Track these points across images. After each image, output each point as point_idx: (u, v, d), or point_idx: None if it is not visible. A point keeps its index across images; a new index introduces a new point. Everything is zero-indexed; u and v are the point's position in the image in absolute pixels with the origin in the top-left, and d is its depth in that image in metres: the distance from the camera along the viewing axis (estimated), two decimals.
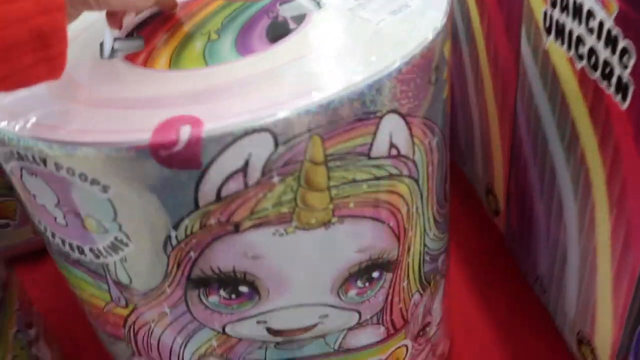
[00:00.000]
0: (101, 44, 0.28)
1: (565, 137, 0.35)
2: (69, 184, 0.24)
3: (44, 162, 0.24)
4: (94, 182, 0.24)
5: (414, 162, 0.27)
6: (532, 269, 0.45)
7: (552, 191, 0.38)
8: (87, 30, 0.29)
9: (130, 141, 0.22)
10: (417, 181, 0.28)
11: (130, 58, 0.27)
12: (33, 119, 0.24)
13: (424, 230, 0.31)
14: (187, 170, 0.23)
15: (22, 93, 0.25)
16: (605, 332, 0.36)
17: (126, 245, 0.26)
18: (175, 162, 0.23)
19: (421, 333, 0.35)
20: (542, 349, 0.42)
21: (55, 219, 0.26)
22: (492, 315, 0.45)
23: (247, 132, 0.22)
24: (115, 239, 0.26)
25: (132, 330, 0.30)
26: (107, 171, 0.23)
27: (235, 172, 0.23)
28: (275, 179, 0.24)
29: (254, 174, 0.23)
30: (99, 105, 0.24)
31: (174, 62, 0.26)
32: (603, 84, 0.29)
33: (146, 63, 0.27)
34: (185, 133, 0.22)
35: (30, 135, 0.23)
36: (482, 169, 0.51)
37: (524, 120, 0.40)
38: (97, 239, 0.26)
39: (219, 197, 0.24)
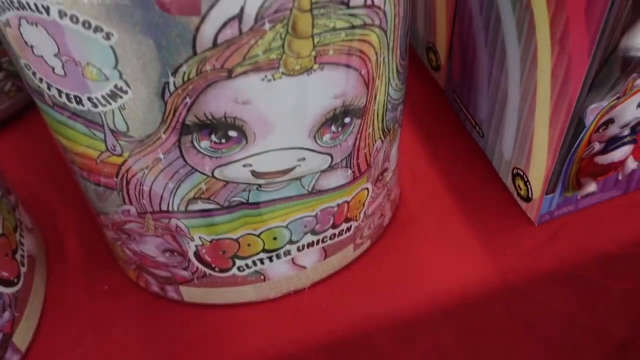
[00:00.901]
0: None
1: None
2: (72, 31, 0.25)
3: (47, 10, 0.24)
4: (98, 29, 0.25)
5: (384, 12, 0.29)
6: (471, 117, 0.49)
7: (496, 39, 0.42)
8: None
9: None
10: (385, 32, 0.30)
11: None
12: None
13: (389, 80, 0.33)
14: (187, 17, 0.24)
15: None
16: (539, 164, 0.41)
17: (125, 92, 0.27)
18: (177, 8, 0.24)
19: (380, 178, 0.39)
20: (480, 186, 0.47)
21: (53, 69, 0.27)
22: (434, 163, 0.49)
23: None
24: (115, 86, 0.27)
25: (124, 178, 0.32)
26: (111, 18, 0.24)
27: (231, 19, 0.25)
28: (267, 26, 0.26)
29: (248, 20, 0.25)
30: None
31: None
32: None
33: None
34: None
35: None
36: (424, 29, 0.54)
37: None
38: (96, 88, 0.27)
39: (215, 44, 0.25)
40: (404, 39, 0.33)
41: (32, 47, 0.27)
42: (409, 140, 0.50)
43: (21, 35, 0.27)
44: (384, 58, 0.31)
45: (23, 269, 0.39)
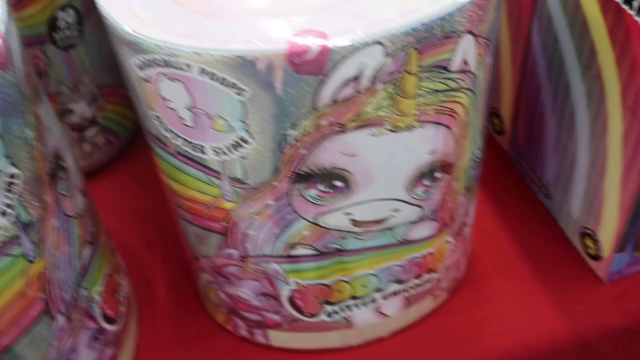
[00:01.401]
0: None
1: (583, 56, 0.40)
2: (209, 87, 0.28)
3: (190, 68, 0.28)
4: (233, 85, 0.28)
5: (476, 77, 0.32)
6: (537, 178, 0.51)
7: (564, 106, 0.44)
8: None
9: (269, 49, 0.27)
10: (475, 94, 0.33)
11: None
12: (178, 29, 0.28)
13: (474, 138, 0.36)
14: (312, 77, 0.27)
15: (153, 6, 0.29)
16: (610, 224, 0.43)
17: (248, 143, 0.30)
18: (305, 68, 0.27)
19: (459, 232, 0.41)
20: (547, 244, 0.48)
21: (184, 120, 0.30)
22: (502, 222, 0.51)
23: (366, 45, 0.27)
24: (239, 137, 0.30)
25: (232, 222, 0.34)
26: (246, 76, 0.27)
27: (350, 79, 0.28)
28: (379, 86, 0.29)
29: (364, 81, 0.28)
30: (231, 20, 0.29)
31: None
32: (625, 6, 0.35)
33: None
34: (316, 44, 0.27)
35: (180, 43, 0.27)
36: None
37: (539, 43, 0.45)
38: (221, 138, 0.30)
39: (334, 101, 0.29)
40: (487, 101, 0.36)
41: (166, 100, 0.30)
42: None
43: (158, 90, 0.30)
44: (471, 118, 0.34)
45: (123, 309, 0.41)
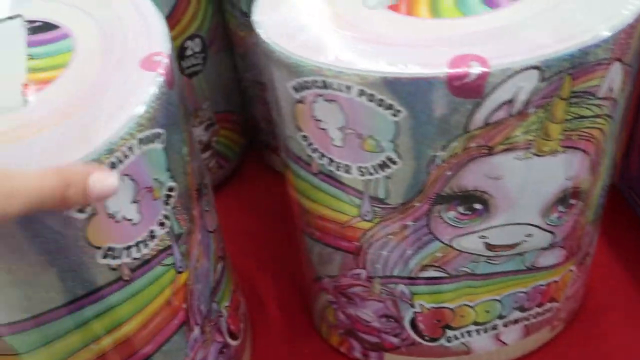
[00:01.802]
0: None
1: None
2: (365, 108, 0.29)
3: (349, 89, 0.29)
4: (390, 106, 0.29)
5: (617, 103, 0.32)
6: None
7: None
8: None
9: (430, 72, 0.28)
10: (613, 120, 0.33)
11: (393, 8, 0.32)
12: (339, 53, 0.30)
13: (607, 166, 0.36)
14: (469, 99, 0.28)
15: (312, 31, 0.31)
16: None
17: (395, 163, 0.31)
18: (464, 91, 0.28)
19: (582, 261, 0.41)
20: None
21: (332, 141, 0.31)
22: (615, 254, 0.50)
23: (523, 69, 0.28)
24: (387, 158, 0.31)
25: (365, 242, 0.35)
26: (404, 97, 0.29)
27: (504, 103, 0.29)
28: (531, 110, 0.29)
29: (518, 105, 0.29)
30: (390, 44, 0.30)
31: (434, 12, 0.32)
32: None
33: (409, 12, 0.32)
34: (475, 68, 0.27)
35: (342, 65, 0.29)
36: None
37: None
38: (369, 158, 0.31)
39: (486, 124, 0.29)
40: (621, 128, 0.36)
41: (319, 121, 0.31)
42: None
43: (312, 111, 0.31)
44: (608, 145, 0.34)
45: (242, 326, 0.42)
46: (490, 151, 0.30)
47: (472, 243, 0.34)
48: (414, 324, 0.39)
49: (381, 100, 0.29)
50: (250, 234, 0.54)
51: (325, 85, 0.30)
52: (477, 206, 0.33)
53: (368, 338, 0.41)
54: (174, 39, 0.47)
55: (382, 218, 0.34)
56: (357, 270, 0.37)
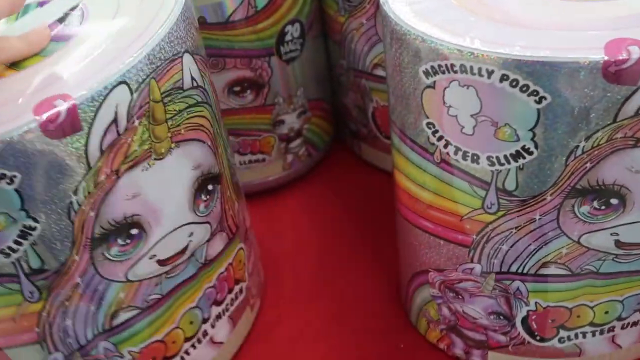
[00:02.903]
0: None
1: None
2: (506, 93, 0.28)
3: (490, 74, 0.28)
4: (534, 93, 0.27)
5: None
6: None
7: None
8: None
9: (583, 57, 0.26)
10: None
11: None
12: (479, 36, 0.28)
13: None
14: (623, 87, 0.27)
15: (447, 15, 0.30)
16: None
17: (531, 153, 0.30)
18: (619, 78, 0.26)
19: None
20: None
21: (462, 128, 0.30)
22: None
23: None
24: (523, 147, 0.29)
25: (484, 236, 0.34)
26: (550, 83, 0.27)
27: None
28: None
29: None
30: (532, 27, 0.28)
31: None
32: None
33: None
34: (636, 52, 0.26)
35: (485, 49, 0.27)
36: None
37: None
38: (502, 148, 0.30)
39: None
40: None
41: (449, 107, 0.30)
42: None
43: (443, 96, 0.30)
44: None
45: None
46: (636, 143, 0.29)
47: (601, 240, 0.33)
48: (526, 323, 0.37)
49: (525, 86, 0.27)
50: (337, 223, 0.53)
51: (463, 70, 0.28)
52: (614, 201, 0.31)
53: (473, 335, 0.40)
54: (275, 23, 0.47)
55: (508, 211, 0.32)
56: (471, 265, 0.36)
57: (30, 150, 0.27)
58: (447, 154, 0.32)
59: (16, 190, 0.28)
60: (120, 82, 0.29)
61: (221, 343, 0.42)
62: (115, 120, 0.29)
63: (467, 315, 0.39)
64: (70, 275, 0.32)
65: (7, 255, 0.30)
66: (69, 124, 0.28)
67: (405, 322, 0.45)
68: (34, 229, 0.30)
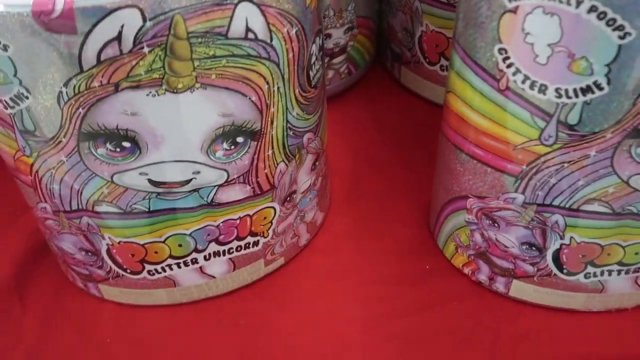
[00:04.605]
0: None
1: None
2: (589, 26, 0.28)
3: (579, 4, 0.28)
4: (619, 28, 0.28)
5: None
6: None
7: None
8: None
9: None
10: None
11: None
12: None
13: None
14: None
15: None
16: None
17: (601, 89, 0.30)
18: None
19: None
20: None
21: (536, 57, 0.30)
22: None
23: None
24: (594, 82, 0.30)
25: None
26: (637, 19, 0.27)
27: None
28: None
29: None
30: None
31: None
32: None
33: None
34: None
35: None
36: None
37: None
38: (574, 80, 0.30)
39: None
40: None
41: (527, 34, 0.30)
42: None
43: (523, 22, 0.30)
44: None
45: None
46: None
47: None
48: (556, 256, 0.39)
49: (612, 19, 0.28)
50: (370, 145, 0.54)
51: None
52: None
53: (501, 263, 0.41)
54: None
55: (564, 144, 0.33)
56: (514, 195, 0.37)
57: (23, 32, 0.28)
58: (515, 81, 0.32)
59: (9, 57, 0.29)
60: (131, 5, 0.28)
61: (212, 277, 0.42)
62: (118, 40, 0.29)
63: (499, 243, 0.40)
64: (56, 151, 0.33)
65: (5, 107, 0.31)
66: (62, 24, 0.28)
67: (431, 245, 0.46)
68: (27, 97, 0.31)
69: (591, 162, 0.33)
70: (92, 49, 0.29)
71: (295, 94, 0.36)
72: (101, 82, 0.30)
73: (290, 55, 0.34)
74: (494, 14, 0.31)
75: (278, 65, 0.34)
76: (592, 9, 0.28)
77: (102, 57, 0.29)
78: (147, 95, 0.31)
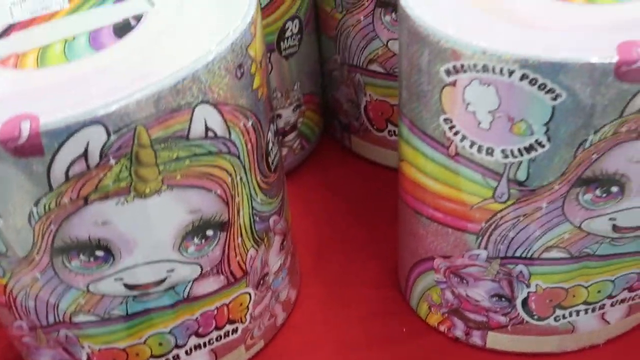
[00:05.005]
0: None
1: None
2: (523, 92, 0.30)
3: (511, 73, 0.30)
4: (551, 91, 0.30)
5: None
6: None
7: None
8: None
9: (598, 57, 0.29)
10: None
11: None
12: (499, 38, 0.31)
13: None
14: (634, 85, 0.29)
15: (465, 17, 0.32)
16: None
17: (543, 146, 0.32)
18: (631, 76, 0.29)
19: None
20: None
21: (479, 124, 0.32)
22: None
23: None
24: (536, 141, 0.32)
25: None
26: (566, 81, 0.29)
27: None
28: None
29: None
30: (547, 29, 0.31)
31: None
32: None
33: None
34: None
35: (506, 50, 0.30)
36: None
37: None
38: (517, 141, 0.32)
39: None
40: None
41: (467, 104, 0.32)
42: None
43: (462, 94, 0.32)
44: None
45: None
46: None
47: (600, 225, 0.35)
48: (525, 304, 0.40)
49: (543, 84, 0.30)
50: (330, 213, 0.55)
51: (485, 69, 0.30)
52: (614, 189, 0.34)
53: (474, 317, 0.43)
54: (277, 20, 0.48)
55: (517, 200, 0.35)
56: (477, 251, 0.38)
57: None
58: (463, 147, 0.34)
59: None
60: (94, 122, 0.28)
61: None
62: (85, 156, 0.29)
63: (470, 298, 0.41)
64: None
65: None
66: (29, 147, 0.28)
67: (404, 306, 0.47)
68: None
69: (544, 212, 0.35)
70: (60, 167, 0.29)
71: (257, 181, 0.37)
72: (71, 197, 0.30)
73: (249, 146, 0.35)
74: (435, 89, 0.33)
75: (239, 157, 0.35)
76: (524, 76, 0.30)
77: (70, 174, 0.30)
78: (117, 204, 0.31)
